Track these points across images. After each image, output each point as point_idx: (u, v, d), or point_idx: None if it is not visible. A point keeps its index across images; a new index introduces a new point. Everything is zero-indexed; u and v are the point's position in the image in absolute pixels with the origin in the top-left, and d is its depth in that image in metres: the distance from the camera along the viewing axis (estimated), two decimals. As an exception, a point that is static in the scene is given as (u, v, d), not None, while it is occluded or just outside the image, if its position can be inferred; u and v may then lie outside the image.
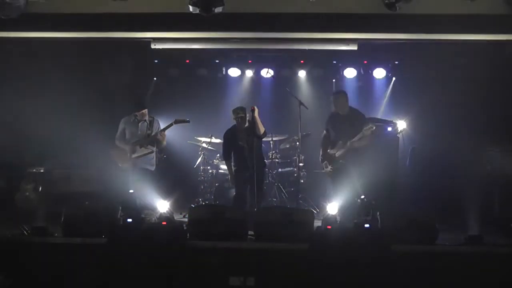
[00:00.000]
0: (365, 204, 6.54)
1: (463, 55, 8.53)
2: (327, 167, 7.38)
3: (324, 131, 7.50)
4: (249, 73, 9.60)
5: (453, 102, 8.70)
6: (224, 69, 9.54)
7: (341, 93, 7.51)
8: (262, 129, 7.21)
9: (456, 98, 8.72)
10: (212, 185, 8.45)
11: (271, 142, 8.54)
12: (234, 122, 7.46)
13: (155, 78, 9.54)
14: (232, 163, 7.58)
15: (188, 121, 7.69)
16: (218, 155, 8.65)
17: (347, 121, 7.21)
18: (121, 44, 8.83)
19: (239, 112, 7.25)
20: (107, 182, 8.30)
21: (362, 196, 6.58)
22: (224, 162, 8.41)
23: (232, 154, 7.47)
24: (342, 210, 6.76)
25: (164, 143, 7.58)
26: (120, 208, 6.42)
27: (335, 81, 9.60)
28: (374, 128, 7.01)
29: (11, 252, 5.59)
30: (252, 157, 7.07)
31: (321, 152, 7.46)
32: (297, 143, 8.04)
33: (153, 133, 7.36)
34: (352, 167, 6.98)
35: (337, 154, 7.23)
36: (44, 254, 5.54)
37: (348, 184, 6.82)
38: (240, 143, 7.24)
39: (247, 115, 7.23)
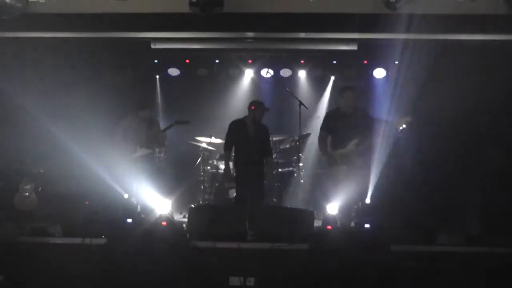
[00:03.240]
0: (366, 205, 6.56)
1: (463, 55, 8.52)
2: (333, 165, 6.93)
3: (321, 132, 7.05)
4: (249, 73, 9.60)
5: (453, 102, 8.70)
6: (224, 69, 9.53)
7: (347, 89, 7.07)
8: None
9: (456, 98, 8.71)
10: (212, 185, 8.45)
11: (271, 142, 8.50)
12: (235, 117, 7.49)
13: (157, 76, 9.52)
14: (233, 155, 7.64)
15: (188, 122, 7.69)
16: (218, 155, 8.64)
17: (351, 122, 6.79)
18: (121, 44, 8.84)
19: (257, 105, 7.20)
20: (107, 182, 8.32)
21: (368, 201, 6.59)
22: (223, 161, 8.45)
23: (234, 148, 7.43)
24: (342, 210, 6.77)
25: (164, 143, 7.57)
26: (120, 208, 6.43)
27: (335, 80, 9.59)
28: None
29: (11, 252, 5.59)
30: (254, 153, 7.09)
31: (326, 155, 7.02)
32: (297, 143, 8.03)
33: (153, 133, 7.35)
34: (359, 168, 6.77)
35: (345, 154, 6.81)
36: (44, 254, 5.53)
37: (352, 185, 6.70)
38: (247, 135, 7.18)
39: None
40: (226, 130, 7.45)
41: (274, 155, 8.38)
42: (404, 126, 6.95)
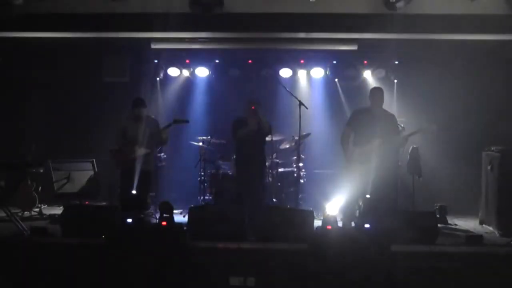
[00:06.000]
0: (367, 204, 6.54)
1: (463, 55, 8.53)
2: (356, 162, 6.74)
3: (346, 127, 6.96)
4: (249, 73, 9.59)
5: (453, 102, 8.71)
6: (224, 69, 9.53)
7: (377, 89, 7.03)
8: (266, 125, 7.26)
9: (455, 98, 8.73)
10: (212, 185, 8.44)
11: (271, 142, 8.50)
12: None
13: (157, 76, 9.52)
14: (234, 156, 7.69)
15: (187, 121, 7.68)
16: (219, 155, 8.65)
17: (378, 122, 6.72)
18: (121, 44, 8.85)
19: (252, 103, 7.21)
20: (107, 182, 8.32)
21: (368, 196, 6.55)
22: (224, 161, 8.46)
23: (236, 147, 7.45)
24: (346, 207, 6.76)
25: (166, 140, 7.55)
26: (120, 208, 6.42)
27: (338, 81, 9.60)
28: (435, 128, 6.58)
29: (11, 252, 5.59)
30: (255, 151, 7.11)
31: (346, 152, 6.84)
32: (297, 143, 8.02)
33: (151, 133, 7.34)
34: (375, 168, 6.61)
35: (371, 151, 6.65)
36: (44, 254, 5.53)
37: (362, 182, 6.61)
38: (249, 128, 7.19)
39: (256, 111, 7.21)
40: (226, 130, 7.48)
41: (274, 155, 8.40)
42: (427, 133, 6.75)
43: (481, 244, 5.88)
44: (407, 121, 7.85)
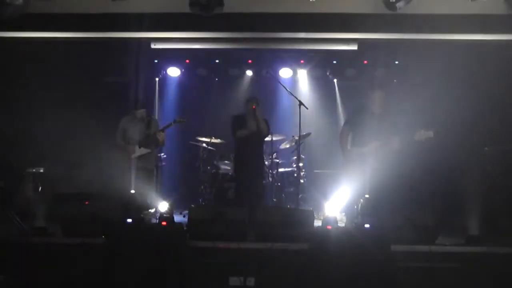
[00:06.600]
0: (367, 204, 6.55)
1: (463, 55, 8.52)
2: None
3: (344, 126, 6.96)
4: (249, 73, 9.61)
5: (452, 102, 8.70)
6: (224, 69, 9.53)
7: (379, 89, 7.01)
8: (265, 126, 7.27)
9: (455, 98, 8.72)
10: (212, 185, 8.45)
11: (271, 142, 8.51)
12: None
13: (157, 76, 9.55)
14: (233, 155, 7.70)
15: (184, 121, 7.70)
16: (218, 155, 8.65)
17: (378, 123, 6.67)
18: (121, 44, 8.84)
19: (252, 101, 7.23)
20: (107, 182, 8.32)
21: (367, 195, 6.55)
22: (224, 162, 8.47)
23: (235, 145, 7.46)
24: (346, 210, 6.76)
25: (163, 142, 7.56)
26: (121, 208, 6.42)
27: (336, 81, 9.61)
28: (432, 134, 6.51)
29: (11, 252, 5.59)
30: (254, 151, 7.11)
31: (345, 151, 6.83)
32: (297, 143, 8.03)
33: (151, 133, 7.35)
34: (373, 168, 6.61)
35: (370, 153, 6.64)
36: (44, 254, 5.53)
37: (360, 182, 6.59)
38: (248, 129, 7.21)
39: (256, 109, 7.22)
40: (226, 130, 7.47)
41: (274, 155, 8.40)
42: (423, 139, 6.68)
43: (481, 244, 5.88)
44: (407, 121, 7.84)
